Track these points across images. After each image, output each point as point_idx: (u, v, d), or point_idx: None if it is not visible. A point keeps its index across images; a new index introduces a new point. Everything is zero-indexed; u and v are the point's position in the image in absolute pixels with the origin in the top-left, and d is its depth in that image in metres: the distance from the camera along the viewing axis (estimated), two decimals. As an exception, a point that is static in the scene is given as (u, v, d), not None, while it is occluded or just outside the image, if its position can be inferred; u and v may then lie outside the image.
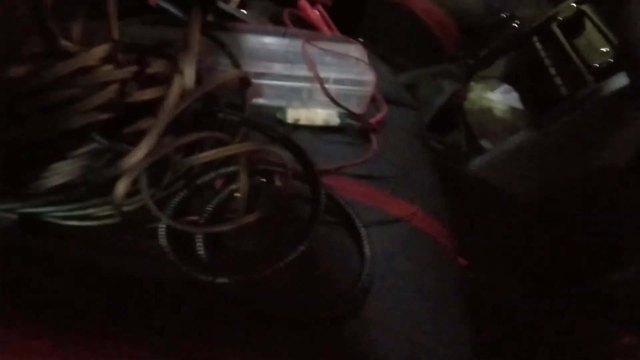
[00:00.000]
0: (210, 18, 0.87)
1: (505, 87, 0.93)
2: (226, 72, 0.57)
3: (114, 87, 0.45)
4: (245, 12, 0.93)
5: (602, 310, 0.91)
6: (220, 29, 0.75)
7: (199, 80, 0.52)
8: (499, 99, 0.93)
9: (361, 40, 1.00)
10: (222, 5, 0.90)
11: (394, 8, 1.02)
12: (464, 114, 0.93)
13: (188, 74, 0.47)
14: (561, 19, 0.91)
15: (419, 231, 0.59)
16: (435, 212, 0.65)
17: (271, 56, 0.69)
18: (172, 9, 0.79)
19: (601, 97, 0.81)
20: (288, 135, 0.56)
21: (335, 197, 0.55)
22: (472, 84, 0.95)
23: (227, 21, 0.88)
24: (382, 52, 0.98)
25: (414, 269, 0.53)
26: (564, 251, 0.91)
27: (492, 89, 0.94)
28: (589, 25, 0.88)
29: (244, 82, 0.55)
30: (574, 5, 0.92)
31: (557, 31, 0.91)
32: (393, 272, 0.51)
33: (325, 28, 0.90)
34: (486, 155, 0.89)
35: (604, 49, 0.84)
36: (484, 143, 0.91)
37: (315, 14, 0.91)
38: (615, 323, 0.91)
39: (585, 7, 0.91)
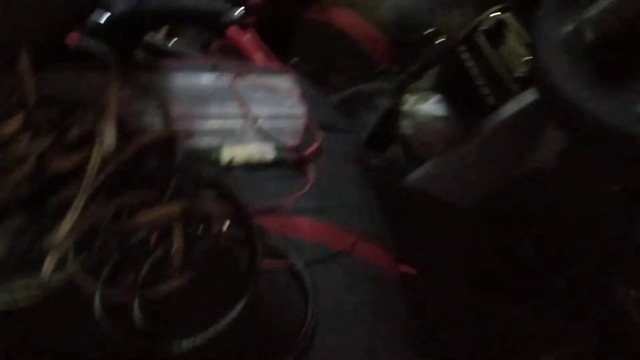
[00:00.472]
0: (139, 52, 0.86)
1: (437, 97, 0.96)
2: (152, 129, 0.56)
3: (31, 160, 0.44)
4: (175, 42, 0.92)
5: (547, 305, 0.96)
6: (148, 68, 0.74)
7: (125, 133, 0.51)
8: (432, 110, 0.95)
9: (295, 60, 1.01)
10: (150, 38, 0.89)
11: (323, 26, 1.03)
12: (399, 127, 0.95)
13: (107, 139, 0.46)
14: (484, 29, 0.95)
15: (361, 261, 0.61)
16: (376, 237, 0.67)
17: (202, 95, 0.69)
18: (96, 48, 0.77)
19: (525, 105, 0.85)
20: (219, 182, 0.56)
21: (273, 240, 0.55)
22: (406, 97, 0.97)
23: (156, 55, 0.87)
24: (315, 71, 0.99)
25: (358, 304, 0.54)
26: (508, 252, 0.95)
27: (425, 101, 0.96)
28: (511, 34, 0.92)
29: (171, 139, 0.54)
30: (496, 14, 0.95)
31: (481, 41, 0.94)
32: (338, 310, 0.52)
33: (257, 54, 0.90)
34: (424, 167, 0.92)
35: (525, 58, 0.87)
36: (421, 154, 0.93)
37: (246, 39, 0.91)
38: (561, 316, 0.96)
39: (506, 16, 0.94)
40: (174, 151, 0.56)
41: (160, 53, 0.87)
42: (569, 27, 0.59)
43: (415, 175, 0.92)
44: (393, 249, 0.70)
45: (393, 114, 0.96)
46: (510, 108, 0.87)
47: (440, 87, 0.97)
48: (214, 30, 0.90)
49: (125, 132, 0.52)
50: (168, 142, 0.56)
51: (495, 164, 0.89)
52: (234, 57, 0.88)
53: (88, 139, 0.48)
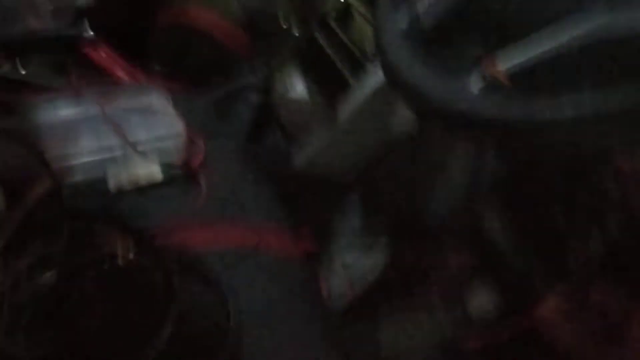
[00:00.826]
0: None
1: (304, 80, 1.03)
2: (34, 183, 0.56)
3: None
4: (28, 71, 0.88)
5: (427, 241, 1.09)
6: (8, 110, 0.70)
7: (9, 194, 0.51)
8: (301, 93, 1.02)
9: (159, 67, 1.01)
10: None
11: (181, 28, 1.03)
12: (275, 116, 1.00)
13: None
14: (334, 13, 1.02)
15: (269, 255, 0.67)
16: (276, 228, 0.73)
17: (75, 130, 0.68)
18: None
19: (379, 79, 0.94)
20: (112, 213, 0.58)
21: (182, 257, 0.59)
22: (274, 85, 1.02)
23: (10, 89, 0.82)
24: (183, 76, 1.00)
25: (275, 294, 0.61)
26: (391, 213, 1.06)
27: (293, 86, 1.02)
28: (358, 16, 1.00)
29: (55, 187, 0.55)
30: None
31: (333, 24, 1.02)
32: (259, 306, 0.58)
33: (118, 69, 0.89)
34: (303, 150, 0.98)
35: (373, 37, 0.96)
36: (300, 138, 1.00)
37: (104, 56, 0.89)
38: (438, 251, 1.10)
39: (352, 0, 1.02)
40: (60, 197, 0.57)
41: (14, 85, 0.82)
42: (404, 15, 0.67)
43: (297, 159, 0.98)
44: (294, 233, 0.77)
45: (266, 105, 1.01)
46: (366, 83, 0.96)
47: (305, 72, 1.03)
48: (68, 53, 0.87)
49: (9, 192, 0.52)
50: (53, 191, 0.56)
51: (363, 136, 0.99)
52: (94, 77, 0.87)
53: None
